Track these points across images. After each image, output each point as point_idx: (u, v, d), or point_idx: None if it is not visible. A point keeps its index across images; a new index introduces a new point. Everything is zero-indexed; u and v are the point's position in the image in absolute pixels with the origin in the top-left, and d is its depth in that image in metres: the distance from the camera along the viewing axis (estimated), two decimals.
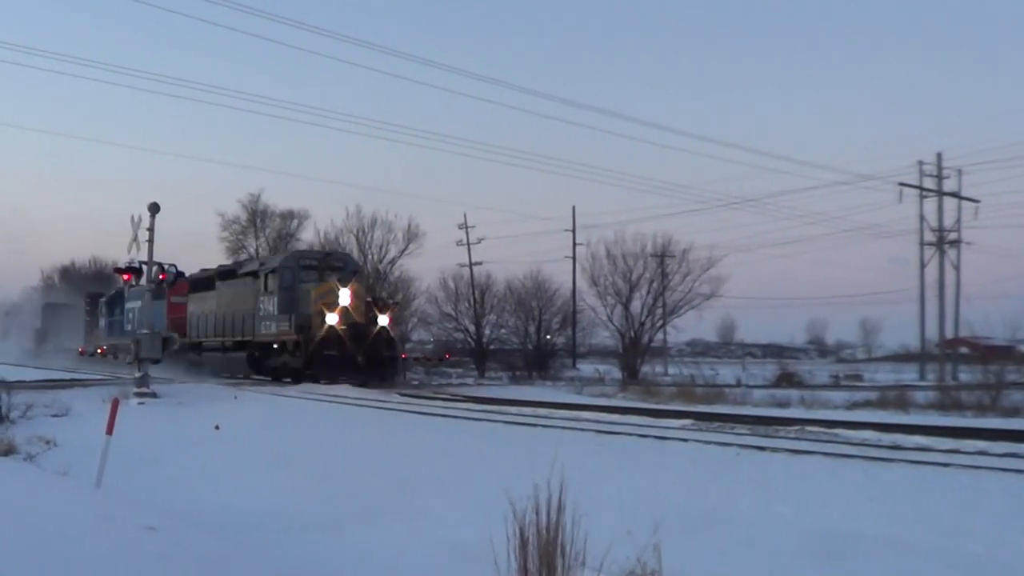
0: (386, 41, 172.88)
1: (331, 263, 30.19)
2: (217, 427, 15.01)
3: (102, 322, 46.99)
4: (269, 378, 29.69)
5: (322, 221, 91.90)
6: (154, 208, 21.21)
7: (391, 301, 31.00)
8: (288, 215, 61.53)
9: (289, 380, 28.09)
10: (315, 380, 26.58)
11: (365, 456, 11.88)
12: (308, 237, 58.03)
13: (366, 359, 26.53)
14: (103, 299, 47.38)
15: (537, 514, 4.52)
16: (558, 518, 4.53)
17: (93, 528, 5.52)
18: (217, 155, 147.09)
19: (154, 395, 21.01)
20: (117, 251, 72.12)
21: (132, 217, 21.23)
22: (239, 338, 31.27)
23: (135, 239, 21.17)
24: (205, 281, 35.41)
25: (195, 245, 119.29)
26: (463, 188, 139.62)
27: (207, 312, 34.47)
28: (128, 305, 42.82)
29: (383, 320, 27.57)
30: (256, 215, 61.27)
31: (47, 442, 11.98)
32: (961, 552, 6.22)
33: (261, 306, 29.77)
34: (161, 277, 21.97)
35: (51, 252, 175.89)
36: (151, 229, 21.23)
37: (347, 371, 26.34)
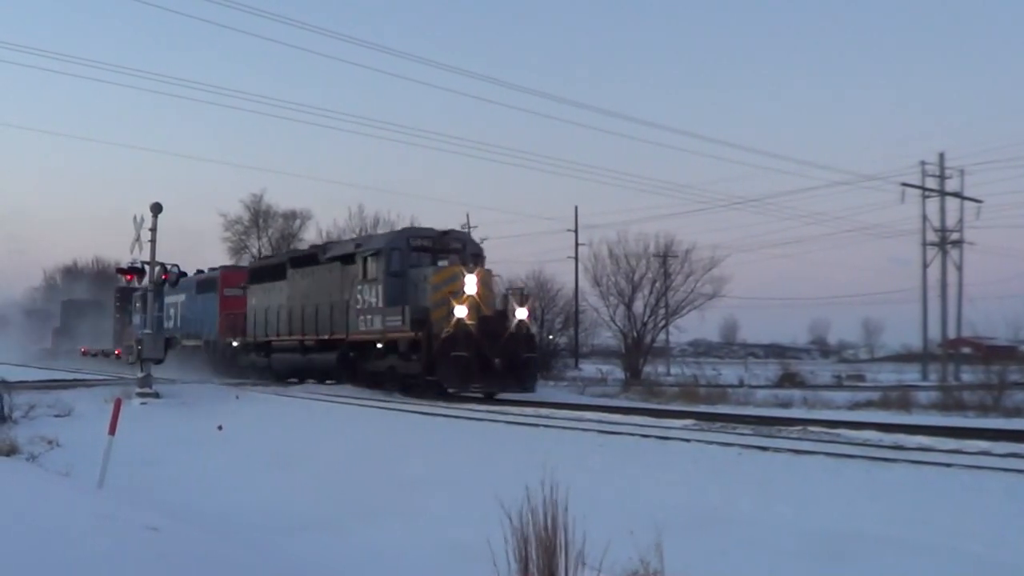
0: (387, 41, 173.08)
1: (448, 244, 24.51)
2: (220, 427, 15.03)
3: (136, 319, 41.76)
4: (367, 385, 24.39)
5: (325, 221, 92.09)
6: (156, 208, 21.24)
7: (526, 291, 25.32)
8: (291, 215, 61.76)
9: (396, 387, 23.23)
10: (440, 388, 21.95)
11: (367, 456, 11.88)
12: (311, 237, 58.12)
13: (503, 361, 21.48)
14: (138, 293, 41.67)
15: (535, 514, 4.52)
16: (557, 518, 4.53)
17: (95, 528, 5.53)
18: (219, 155, 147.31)
19: (156, 395, 21.05)
20: (120, 251, 72.07)
21: (134, 217, 21.28)
22: (325, 336, 26.01)
23: (138, 239, 21.22)
24: (272, 270, 30.55)
25: (197, 245, 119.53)
26: (465, 188, 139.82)
27: (276, 306, 29.25)
28: (168, 300, 38.79)
29: (521, 313, 22.59)
30: (259, 215, 61.46)
31: (49, 442, 11.99)
32: (963, 552, 6.22)
33: (359, 297, 24.34)
34: (164, 277, 22.04)
35: (53, 252, 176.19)
36: (153, 229, 21.26)
37: (479, 376, 21.43)
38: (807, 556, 6.20)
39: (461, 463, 10.79)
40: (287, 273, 28.85)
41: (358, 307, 24.39)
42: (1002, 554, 6.18)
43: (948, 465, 9.94)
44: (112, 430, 8.90)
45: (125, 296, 46.28)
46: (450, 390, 21.67)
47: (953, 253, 45.28)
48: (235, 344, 32.52)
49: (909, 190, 44.76)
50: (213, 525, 7.09)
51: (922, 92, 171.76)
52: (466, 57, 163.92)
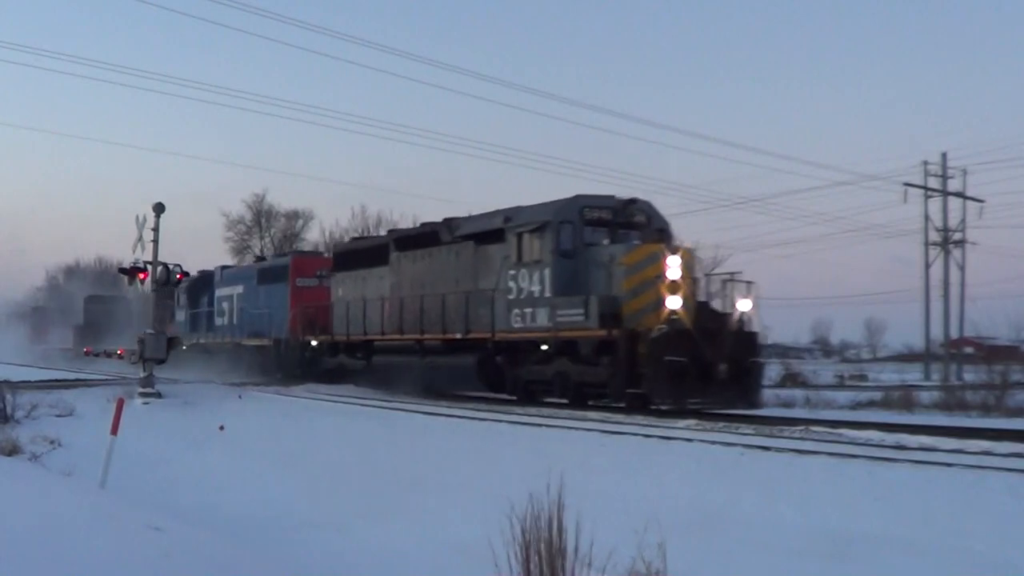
0: (390, 41, 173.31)
1: (632, 215, 19.02)
2: (222, 427, 15.03)
3: (180, 315, 37.69)
4: (521, 396, 19.66)
5: (327, 221, 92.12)
6: (159, 208, 21.25)
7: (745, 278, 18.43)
8: (293, 215, 62.03)
9: (569, 399, 18.40)
10: (644, 402, 16.80)
11: (369, 456, 11.89)
12: (313, 237, 58.18)
13: (726, 368, 16.61)
14: (180, 287, 33.49)
15: (534, 515, 4.52)
16: (560, 518, 4.53)
17: (97, 528, 5.54)
18: (221, 155, 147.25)
19: (159, 395, 21.05)
20: (122, 251, 71.95)
21: (137, 217, 21.24)
22: (458, 335, 20.72)
23: (140, 239, 21.21)
24: (367, 253, 25.38)
25: (199, 245, 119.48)
26: (467, 187, 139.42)
27: (377, 297, 24.15)
28: (220, 293, 34.83)
29: (744, 305, 17.80)
30: (261, 215, 61.69)
31: (51, 442, 11.99)
32: (965, 552, 6.22)
33: (511, 284, 19.14)
34: (179, 277, 22.17)
35: (55, 251, 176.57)
36: (156, 229, 21.26)
37: (698, 387, 16.43)
38: (810, 556, 6.20)
39: (463, 463, 10.79)
40: (390, 257, 23.90)
41: (510, 297, 19.19)
42: (1004, 553, 6.18)
43: (950, 465, 9.93)
44: (114, 430, 8.91)
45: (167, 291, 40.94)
46: (662, 406, 16.60)
47: (955, 253, 45.29)
48: (315, 344, 27.58)
49: (911, 190, 44.75)
50: (216, 525, 7.09)
51: (924, 92, 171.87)
52: (468, 57, 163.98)
